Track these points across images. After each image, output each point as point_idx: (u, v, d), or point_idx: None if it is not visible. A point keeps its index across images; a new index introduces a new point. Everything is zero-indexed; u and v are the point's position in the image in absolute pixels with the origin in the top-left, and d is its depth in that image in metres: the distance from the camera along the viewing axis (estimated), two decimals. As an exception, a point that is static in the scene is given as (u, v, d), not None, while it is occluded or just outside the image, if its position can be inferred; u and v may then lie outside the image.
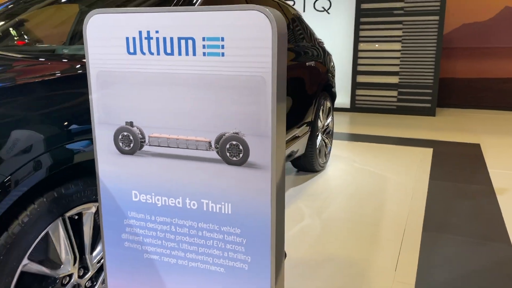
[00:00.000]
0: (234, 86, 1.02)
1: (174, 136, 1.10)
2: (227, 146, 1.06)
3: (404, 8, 6.63)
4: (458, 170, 3.97)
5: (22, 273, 1.20)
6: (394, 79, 6.90)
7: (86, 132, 1.29)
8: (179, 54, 1.04)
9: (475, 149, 4.77)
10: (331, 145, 4.18)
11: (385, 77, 6.95)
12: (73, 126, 1.31)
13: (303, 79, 3.31)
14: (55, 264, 1.30)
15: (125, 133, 1.15)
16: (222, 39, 1.00)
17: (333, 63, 4.30)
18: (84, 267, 1.41)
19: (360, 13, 6.85)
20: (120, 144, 1.16)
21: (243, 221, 1.10)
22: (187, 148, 1.09)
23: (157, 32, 1.05)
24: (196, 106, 1.06)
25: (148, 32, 1.06)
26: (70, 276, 1.36)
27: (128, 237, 1.23)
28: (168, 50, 1.05)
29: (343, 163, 4.19)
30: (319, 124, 3.77)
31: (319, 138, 3.82)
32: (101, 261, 1.45)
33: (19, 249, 1.15)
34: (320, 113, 3.78)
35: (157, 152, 1.13)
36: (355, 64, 7.05)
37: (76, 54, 1.75)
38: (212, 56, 1.02)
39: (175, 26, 1.03)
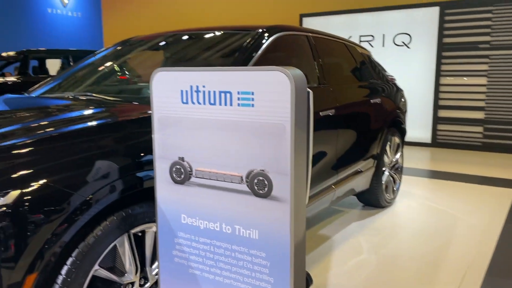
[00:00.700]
0: (261, 131, 1.22)
1: (214, 170, 1.33)
2: (255, 181, 1.26)
3: (491, 42, 6.38)
4: (540, 214, 3.71)
5: (93, 277, 1.49)
6: (479, 114, 6.60)
7: (151, 164, 1.57)
8: (220, 104, 1.28)
9: None
10: (400, 181, 4.15)
11: (469, 112, 6.67)
12: (142, 159, 1.61)
13: (367, 115, 3.41)
14: (121, 272, 1.58)
15: (178, 166, 1.40)
16: (253, 93, 1.22)
17: (405, 100, 4.32)
18: (144, 277, 1.67)
19: (442, 47, 6.73)
20: (174, 175, 1.41)
21: (268, 246, 1.28)
22: (224, 180, 1.31)
23: (204, 86, 1.30)
24: (232, 146, 1.28)
25: (197, 86, 1.31)
26: (133, 284, 1.62)
27: (177, 254, 1.47)
28: (212, 101, 1.30)
29: (413, 200, 4.13)
30: (386, 159, 3.80)
31: (386, 173, 3.84)
32: (160, 274, 1.70)
33: (92, 256, 1.44)
34: (387, 149, 3.81)
35: (201, 183, 1.37)
36: (436, 98, 6.87)
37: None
38: (244, 106, 1.24)
39: (217, 82, 1.27)
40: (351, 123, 3.17)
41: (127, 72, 3.14)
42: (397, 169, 4.10)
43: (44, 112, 2.07)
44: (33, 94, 2.71)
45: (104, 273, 1.51)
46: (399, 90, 4.26)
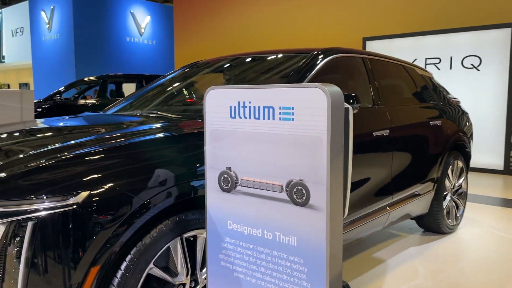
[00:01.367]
0: (300, 144, 1.32)
1: (258, 179, 1.43)
2: (294, 190, 1.35)
3: None
4: None
5: (148, 276, 1.63)
6: (558, 141, 6.13)
7: (204, 174, 1.71)
8: (263, 118, 1.40)
9: None
10: (464, 207, 3.98)
11: (547, 138, 6.22)
12: (196, 169, 1.76)
13: (425, 137, 3.36)
14: (173, 273, 1.71)
15: (226, 175, 1.52)
16: (293, 108, 1.32)
17: (470, 123, 4.18)
18: (195, 280, 1.79)
19: (515, 69, 6.39)
20: (222, 183, 1.54)
21: (305, 252, 1.35)
22: (266, 189, 1.41)
23: (249, 102, 1.43)
24: (273, 157, 1.38)
25: (244, 102, 1.44)
26: (184, 285, 1.75)
27: (223, 257, 1.58)
28: (256, 116, 1.41)
29: (478, 228, 3.93)
30: (448, 184, 3.68)
31: (448, 198, 3.71)
32: (209, 278, 1.81)
33: (148, 255, 1.59)
34: (449, 173, 3.69)
35: (245, 191, 1.48)
36: (509, 123, 6.50)
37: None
38: (285, 121, 1.34)
39: (261, 99, 1.39)
40: (407, 144, 3.14)
41: (191, 93, 3.38)
42: (461, 194, 3.94)
43: (114, 127, 2.31)
44: (108, 112, 3.01)
45: (158, 272, 1.65)
46: (463, 113, 4.13)
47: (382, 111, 2.93)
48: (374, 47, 7.78)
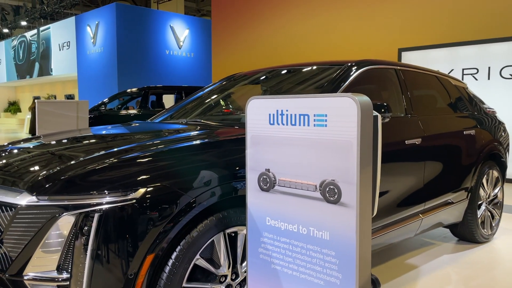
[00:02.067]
0: (332, 147, 1.47)
1: (294, 180, 1.60)
2: (327, 189, 1.50)
3: None
4: None
5: (195, 266, 1.82)
6: None
7: (244, 176, 1.89)
8: (299, 125, 1.56)
9: None
10: (499, 217, 3.97)
11: None
12: (238, 170, 1.94)
13: (458, 146, 3.41)
14: (216, 264, 1.89)
15: (265, 176, 1.69)
16: (326, 115, 1.48)
17: (506, 133, 4.17)
18: (235, 273, 1.96)
19: (557, 79, 6.26)
20: (261, 183, 1.71)
21: (337, 246, 1.49)
22: (301, 189, 1.57)
23: (287, 110, 1.60)
24: (308, 160, 1.54)
25: (282, 110, 1.61)
26: (226, 277, 1.92)
27: (262, 251, 1.74)
28: (293, 122, 1.58)
29: (515, 238, 3.91)
30: (482, 193, 3.70)
31: (483, 207, 3.73)
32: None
33: (195, 247, 1.78)
34: (484, 182, 3.72)
35: (282, 191, 1.64)
36: (550, 134, 6.35)
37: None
38: (319, 127, 1.50)
39: (298, 107, 1.56)
40: (439, 152, 3.21)
41: (230, 104, 3.59)
42: (496, 204, 3.93)
43: (164, 133, 2.54)
44: (155, 121, 3.26)
45: (204, 263, 1.83)
46: (499, 123, 4.14)
47: (414, 120, 3.03)
48: (409, 58, 7.80)
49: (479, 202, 3.66)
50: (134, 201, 1.65)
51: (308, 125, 1.54)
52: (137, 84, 13.56)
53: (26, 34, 24.91)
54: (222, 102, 3.58)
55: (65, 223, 1.63)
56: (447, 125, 3.39)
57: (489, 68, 6.94)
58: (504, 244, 3.78)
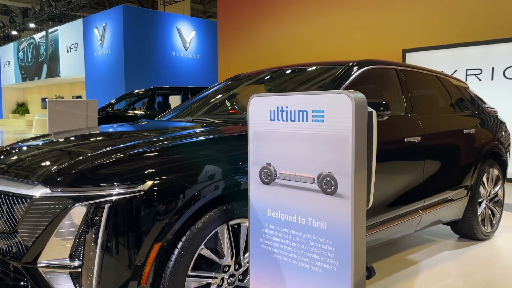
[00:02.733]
0: (329, 141, 1.56)
1: (293, 173, 1.68)
2: (324, 181, 1.58)
3: None
4: None
5: (199, 256, 1.91)
6: None
7: (246, 170, 1.98)
8: (298, 120, 1.65)
9: None
10: (500, 215, 4.03)
11: None
12: (239, 165, 2.03)
13: (458, 144, 3.48)
14: (220, 254, 1.98)
15: (266, 170, 1.78)
16: (323, 111, 1.57)
17: (507, 132, 4.23)
18: (238, 263, 2.05)
19: (560, 80, 6.30)
20: (262, 177, 1.80)
21: (333, 235, 1.58)
22: (300, 181, 1.66)
23: (287, 107, 1.69)
24: (306, 154, 1.63)
25: (282, 107, 1.70)
26: (229, 266, 2.01)
27: (263, 241, 1.83)
28: (293, 118, 1.67)
29: (515, 236, 3.97)
30: (482, 191, 3.76)
31: (483, 205, 3.79)
32: (250, 263, 2.06)
33: (200, 237, 1.87)
34: (484, 180, 3.78)
35: (282, 183, 1.73)
36: (554, 134, 6.38)
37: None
38: (317, 122, 1.59)
39: (297, 104, 1.65)
40: (439, 150, 3.28)
41: (235, 103, 3.68)
42: (497, 202, 3.99)
43: (171, 130, 2.64)
44: (162, 119, 3.36)
45: (208, 253, 1.92)
46: (500, 122, 4.20)
47: (413, 119, 3.10)
48: (414, 58, 7.86)
49: (479, 200, 3.73)
50: (142, 192, 1.75)
51: (307, 120, 1.62)
52: (144, 85, 13.71)
53: (35, 36, 25.23)
54: (227, 102, 3.67)
55: (77, 213, 1.73)
56: (447, 124, 3.46)
57: (492, 68, 6.98)
58: (504, 241, 3.83)
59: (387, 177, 2.78)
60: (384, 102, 2.46)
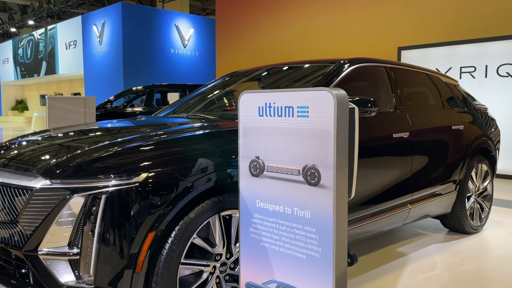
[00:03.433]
0: (313, 135, 1.65)
1: (280, 165, 1.78)
2: (308, 173, 1.68)
3: None
4: None
5: (192, 245, 2.00)
6: None
7: (237, 163, 2.07)
8: (285, 116, 1.74)
9: None
10: (489, 209, 4.13)
11: None
12: (232, 158, 2.13)
13: (446, 140, 3.58)
14: (212, 244, 2.07)
15: (255, 163, 1.88)
16: (308, 107, 1.66)
17: (496, 129, 4.33)
18: (229, 252, 2.15)
19: (552, 77, 6.39)
20: (252, 170, 1.89)
21: (317, 223, 1.67)
22: (286, 173, 1.75)
23: (274, 103, 1.78)
24: (292, 147, 1.73)
25: (270, 103, 1.79)
26: (221, 255, 2.11)
27: (252, 230, 1.93)
28: (280, 114, 1.76)
29: (503, 230, 4.07)
30: (471, 186, 3.86)
31: (472, 200, 3.89)
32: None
33: (192, 227, 1.97)
34: (473, 175, 3.88)
35: (270, 176, 1.82)
36: (546, 130, 6.48)
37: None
38: (302, 117, 1.68)
39: (283, 100, 1.74)
40: (427, 146, 3.38)
41: (230, 99, 3.77)
42: (486, 196, 4.09)
43: (166, 125, 2.74)
44: (159, 115, 3.45)
45: (200, 242, 2.02)
46: (490, 119, 4.30)
47: (402, 115, 3.20)
48: (409, 56, 7.95)
49: (468, 195, 3.83)
50: (137, 184, 1.84)
51: (292, 116, 1.72)
52: (143, 82, 13.79)
53: (34, 33, 25.27)
54: (224, 97, 3.76)
55: (76, 203, 1.83)
56: (435, 120, 3.55)
57: (486, 66, 7.08)
58: (492, 234, 3.94)
59: (375, 171, 2.88)
60: (371, 99, 2.55)
